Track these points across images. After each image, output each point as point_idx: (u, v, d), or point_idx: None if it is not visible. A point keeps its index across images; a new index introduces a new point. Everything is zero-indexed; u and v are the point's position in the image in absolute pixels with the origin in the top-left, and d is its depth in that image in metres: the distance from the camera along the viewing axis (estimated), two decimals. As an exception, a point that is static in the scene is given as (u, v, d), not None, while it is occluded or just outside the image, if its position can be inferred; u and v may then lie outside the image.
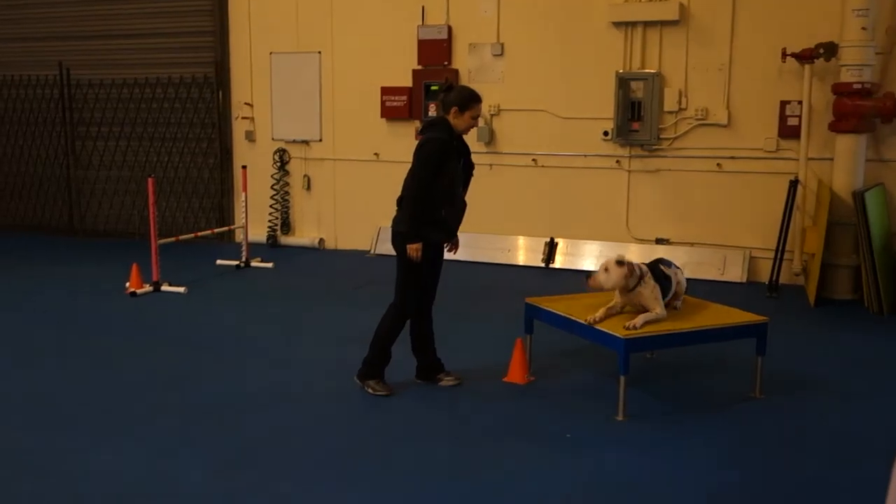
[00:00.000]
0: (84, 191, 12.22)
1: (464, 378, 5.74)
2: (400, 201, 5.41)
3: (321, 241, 11.08)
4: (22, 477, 4.32)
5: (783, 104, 8.79)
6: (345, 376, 5.73)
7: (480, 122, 9.81)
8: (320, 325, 7.31)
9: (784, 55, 8.53)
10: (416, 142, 5.41)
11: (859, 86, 8.07)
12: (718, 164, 9.18)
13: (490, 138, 10.00)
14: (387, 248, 10.50)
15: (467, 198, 5.55)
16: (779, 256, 8.51)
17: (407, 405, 5.36)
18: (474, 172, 5.62)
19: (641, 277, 5.28)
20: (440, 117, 5.43)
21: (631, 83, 9.26)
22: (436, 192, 5.26)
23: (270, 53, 10.95)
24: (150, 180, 8.48)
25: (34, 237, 12.07)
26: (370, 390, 5.52)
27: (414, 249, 5.26)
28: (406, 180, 5.33)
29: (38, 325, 7.26)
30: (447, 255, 5.59)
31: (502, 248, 10.05)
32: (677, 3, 8.99)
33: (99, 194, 12.13)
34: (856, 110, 8.12)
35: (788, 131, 8.77)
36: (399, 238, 5.37)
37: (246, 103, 11.17)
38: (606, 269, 5.24)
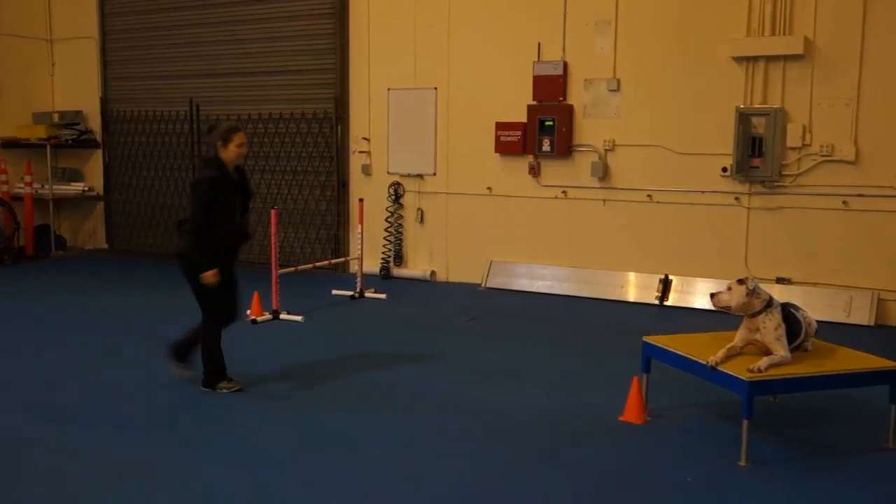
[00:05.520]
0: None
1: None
2: (180, 224, 6.21)
3: (433, 273, 11.22)
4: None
5: (916, 140, 8.44)
6: (474, 412, 5.74)
7: (595, 157, 9.94)
8: (442, 358, 7.37)
9: (917, 89, 8.20)
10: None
11: None
12: (844, 202, 8.84)
13: (604, 174, 9.95)
14: (499, 281, 10.65)
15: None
16: (911, 299, 8.12)
17: (525, 440, 5.35)
18: (251, 202, 6.35)
19: (769, 305, 5.17)
20: (213, 156, 6.05)
21: (752, 118, 9.06)
22: (214, 223, 5.89)
23: (388, 89, 11.25)
24: (272, 212, 8.81)
25: (162, 265, 12.63)
26: (225, 391, 6.17)
27: (211, 275, 5.90)
28: (191, 215, 5.99)
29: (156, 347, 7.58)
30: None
31: (615, 284, 9.92)
32: (802, 36, 8.77)
33: (222, 224, 12.64)
34: None
35: (922, 168, 8.40)
36: (188, 264, 6.00)
37: (363, 138, 11.49)
38: (729, 288, 5.27)
